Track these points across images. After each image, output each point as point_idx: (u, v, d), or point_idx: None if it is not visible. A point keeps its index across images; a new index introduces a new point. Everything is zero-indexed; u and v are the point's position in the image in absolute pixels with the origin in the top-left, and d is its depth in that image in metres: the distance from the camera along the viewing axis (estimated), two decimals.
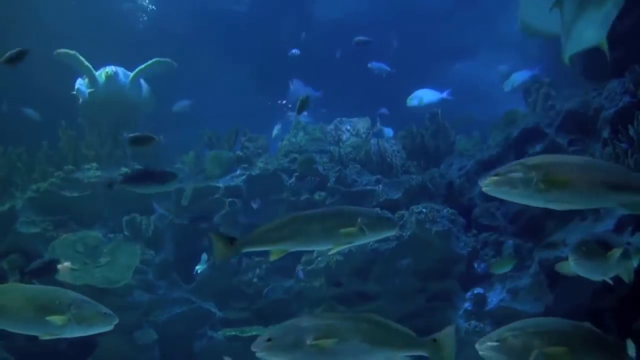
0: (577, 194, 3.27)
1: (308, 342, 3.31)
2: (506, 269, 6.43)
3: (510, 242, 7.20)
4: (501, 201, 7.68)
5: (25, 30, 9.22)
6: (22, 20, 9.87)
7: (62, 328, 3.68)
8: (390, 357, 3.51)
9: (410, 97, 9.58)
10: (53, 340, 3.82)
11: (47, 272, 5.83)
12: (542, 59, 10.62)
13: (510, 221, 7.46)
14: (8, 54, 5.20)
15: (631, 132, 6.30)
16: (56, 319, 3.63)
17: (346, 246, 3.77)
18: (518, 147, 8.07)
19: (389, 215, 4.26)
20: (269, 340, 3.38)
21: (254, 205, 7.64)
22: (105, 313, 3.78)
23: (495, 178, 3.29)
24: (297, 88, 9.22)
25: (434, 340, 3.51)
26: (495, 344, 3.28)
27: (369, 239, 3.79)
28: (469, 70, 13.11)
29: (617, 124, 6.59)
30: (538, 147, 7.77)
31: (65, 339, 6.53)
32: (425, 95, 9.55)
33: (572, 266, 3.73)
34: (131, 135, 5.87)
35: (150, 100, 9.31)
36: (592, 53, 7.63)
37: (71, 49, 8.21)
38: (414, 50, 11.69)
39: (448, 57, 12.67)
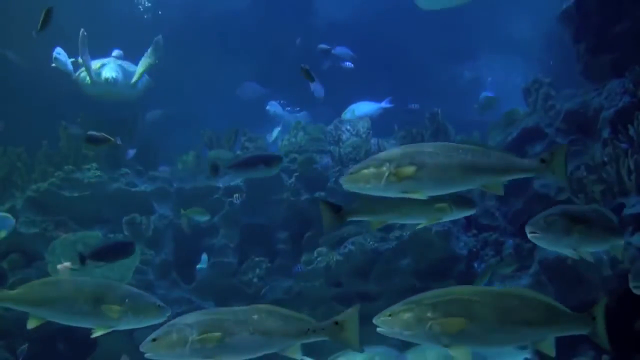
0: (432, 181, 3.33)
1: (191, 338, 3.30)
2: (506, 271, 6.45)
3: (510, 242, 7.20)
4: (501, 201, 7.71)
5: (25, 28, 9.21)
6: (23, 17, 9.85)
7: (117, 320, 3.68)
8: (288, 346, 3.45)
9: (345, 111, 9.69)
10: (53, 341, 3.82)
11: (123, 254, 5.70)
12: (543, 59, 10.63)
13: (510, 221, 7.46)
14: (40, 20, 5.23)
15: (631, 132, 6.30)
16: (112, 309, 3.63)
17: (437, 221, 3.84)
18: (518, 147, 8.08)
19: (470, 197, 4.30)
20: (154, 340, 3.36)
21: (236, 201, 7.64)
22: (159, 305, 3.79)
23: (351, 175, 3.41)
24: (317, 89, 9.22)
25: (335, 323, 3.43)
26: (387, 318, 3.17)
27: (455, 216, 3.91)
28: (470, 71, 13.12)
29: (617, 124, 6.59)
30: (538, 147, 7.77)
31: (65, 339, 6.58)
32: (358, 108, 9.66)
33: (531, 239, 3.59)
34: (89, 133, 5.83)
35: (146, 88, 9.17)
36: (592, 53, 7.68)
37: (71, 45, 8.10)
38: (415, 50, 11.69)
39: (448, 57, 12.66)
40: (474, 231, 7.41)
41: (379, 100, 10.34)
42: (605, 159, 6.44)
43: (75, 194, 7.40)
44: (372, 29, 11.66)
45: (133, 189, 7.63)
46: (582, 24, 7.78)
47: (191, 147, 8.90)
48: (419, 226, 3.95)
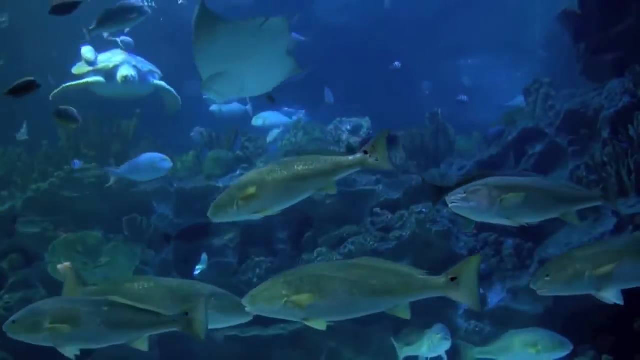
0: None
1: (45, 326, 3.37)
2: None
3: (510, 242, 7.20)
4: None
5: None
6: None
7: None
8: (136, 337, 3.50)
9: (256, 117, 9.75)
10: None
11: (202, 235, 5.66)
12: (543, 59, 10.65)
13: None
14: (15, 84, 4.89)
15: (631, 132, 6.30)
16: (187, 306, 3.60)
17: None
18: (518, 147, 8.09)
19: None
20: (13, 322, 3.44)
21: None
22: (240, 304, 3.73)
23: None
24: (328, 95, 9.24)
25: (186, 314, 3.45)
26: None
27: None
28: (470, 71, 13.13)
29: (617, 124, 6.59)
30: (538, 147, 7.78)
31: None
32: (269, 117, 10.00)
33: (452, 209, 3.62)
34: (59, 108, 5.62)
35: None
36: (593, 53, 7.68)
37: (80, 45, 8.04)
38: (415, 50, 11.69)
39: (449, 57, 12.68)
40: (474, 231, 7.41)
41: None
42: (605, 159, 6.44)
43: (75, 194, 7.40)
44: (371, 33, 11.68)
45: (133, 189, 7.63)
46: (583, 23, 7.78)
47: (191, 147, 8.92)
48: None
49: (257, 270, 7.43)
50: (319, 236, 7.33)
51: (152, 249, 7.35)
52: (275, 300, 3.22)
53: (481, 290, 6.74)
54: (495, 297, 6.65)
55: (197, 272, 7.33)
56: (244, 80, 4.83)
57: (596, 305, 5.84)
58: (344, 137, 8.78)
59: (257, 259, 7.49)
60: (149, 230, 7.42)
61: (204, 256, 7.33)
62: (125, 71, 7.69)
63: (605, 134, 6.78)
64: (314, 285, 3.21)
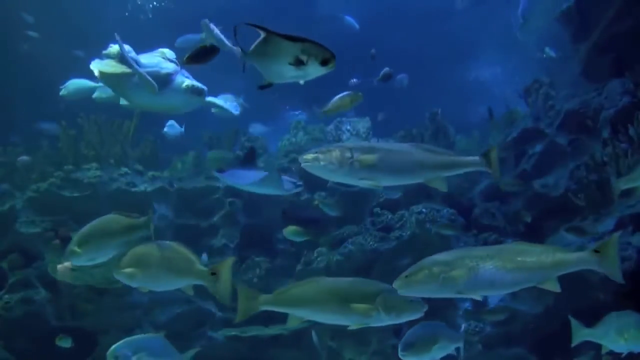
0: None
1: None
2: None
3: (510, 242, 7.20)
4: (501, 201, 7.72)
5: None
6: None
7: (369, 317, 3.75)
8: None
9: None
10: (54, 340, 3.82)
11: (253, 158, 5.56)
12: (543, 59, 10.63)
13: (510, 221, 7.46)
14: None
15: (631, 132, 6.30)
16: (361, 308, 3.70)
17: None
18: (518, 147, 8.08)
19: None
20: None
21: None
22: (412, 301, 3.82)
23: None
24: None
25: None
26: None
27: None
28: (470, 71, 13.13)
29: (617, 124, 6.59)
30: (538, 147, 7.78)
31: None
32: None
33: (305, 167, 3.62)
34: None
35: None
36: (592, 53, 7.67)
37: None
38: (415, 50, 11.70)
39: (449, 57, 12.68)
40: (474, 231, 7.41)
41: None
42: (605, 159, 6.44)
43: (76, 194, 7.40)
44: (372, 31, 11.67)
45: (133, 189, 7.63)
46: (582, 23, 7.78)
47: (191, 147, 8.91)
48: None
49: (257, 270, 7.44)
50: (319, 236, 7.33)
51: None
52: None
53: None
54: (495, 297, 6.65)
55: None
56: None
57: (596, 305, 5.89)
58: (344, 137, 8.77)
59: (257, 259, 7.50)
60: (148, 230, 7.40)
61: (204, 256, 7.32)
62: (190, 81, 6.30)
63: (605, 134, 6.79)
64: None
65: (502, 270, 3.38)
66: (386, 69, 8.49)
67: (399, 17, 12.03)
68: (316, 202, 7.24)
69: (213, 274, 3.74)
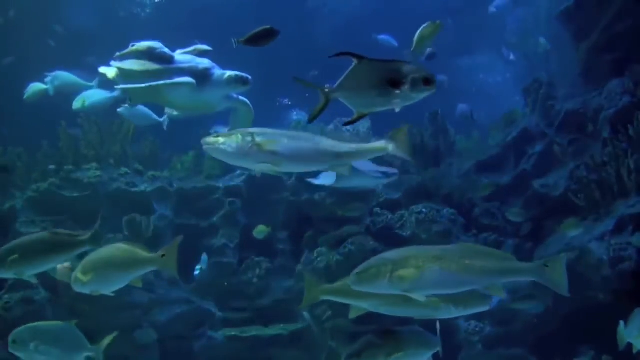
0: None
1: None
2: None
3: (510, 242, 7.21)
4: (501, 201, 7.71)
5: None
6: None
7: (437, 310, 3.81)
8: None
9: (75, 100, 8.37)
10: None
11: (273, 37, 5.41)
12: (540, 54, 10.63)
13: (510, 221, 7.46)
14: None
15: (631, 132, 6.30)
16: (431, 300, 3.69)
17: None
18: (518, 147, 8.08)
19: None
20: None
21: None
22: (480, 295, 3.88)
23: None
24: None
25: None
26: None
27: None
28: (470, 71, 13.13)
29: (617, 124, 6.59)
30: (538, 147, 7.78)
31: None
32: (88, 97, 8.37)
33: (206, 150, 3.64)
34: None
35: None
36: (593, 53, 7.67)
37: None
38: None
39: (449, 57, 12.66)
40: (474, 231, 7.41)
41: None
42: (605, 159, 6.44)
43: (75, 194, 7.39)
44: (369, 26, 11.67)
45: (133, 189, 7.63)
46: (582, 23, 7.77)
47: (191, 147, 8.90)
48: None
49: (257, 270, 7.44)
50: (318, 236, 7.32)
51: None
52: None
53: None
54: (495, 297, 6.64)
55: (197, 272, 7.34)
56: None
57: (596, 305, 5.89)
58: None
59: (257, 259, 7.50)
60: (148, 230, 7.41)
61: (204, 256, 7.34)
62: (233, 72, 5.68)
63: (605, 134, 6.79)
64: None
65: (447, 271, 3.39)
66: (430, 49, 8.47)
67: (398, 15, 12.02)
68: (340, 213, 7.30)
69: (163, 256, 3.96)
